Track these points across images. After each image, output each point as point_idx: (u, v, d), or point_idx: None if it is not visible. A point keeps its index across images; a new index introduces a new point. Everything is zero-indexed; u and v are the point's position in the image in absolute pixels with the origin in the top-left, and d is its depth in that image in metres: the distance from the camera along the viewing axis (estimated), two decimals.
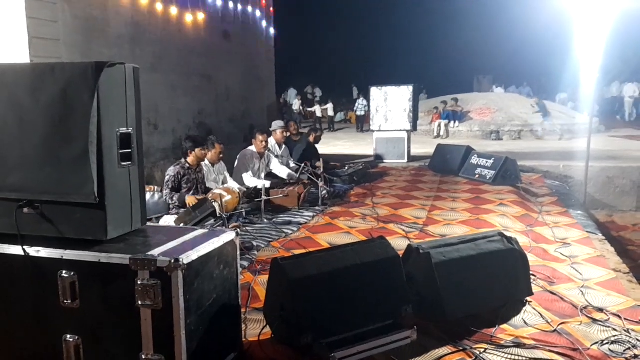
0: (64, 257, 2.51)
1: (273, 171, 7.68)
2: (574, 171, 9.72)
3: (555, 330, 3.28)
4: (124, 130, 2.62)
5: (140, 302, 2.40)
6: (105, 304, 2.51)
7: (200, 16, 9.70)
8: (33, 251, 2.56)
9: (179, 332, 2.38)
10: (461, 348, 3.04)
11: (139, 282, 2.39)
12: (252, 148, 7.36)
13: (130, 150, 2.66)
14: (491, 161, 8.41)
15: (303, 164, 7.49)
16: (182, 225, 4.69)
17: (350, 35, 32.42)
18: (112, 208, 2.56)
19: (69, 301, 2.53)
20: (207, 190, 6.04)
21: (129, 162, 2.66)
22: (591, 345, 3.09)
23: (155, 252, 2.45)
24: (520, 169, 8.58)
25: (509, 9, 23.00)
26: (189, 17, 9.36)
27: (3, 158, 2.61)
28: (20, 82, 2.56)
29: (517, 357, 2.97)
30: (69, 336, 2.57)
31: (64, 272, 2.52)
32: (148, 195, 5.84)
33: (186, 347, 2.41)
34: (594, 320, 3.41)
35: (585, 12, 9.28)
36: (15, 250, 2.59)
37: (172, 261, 2.35)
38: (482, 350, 3.02)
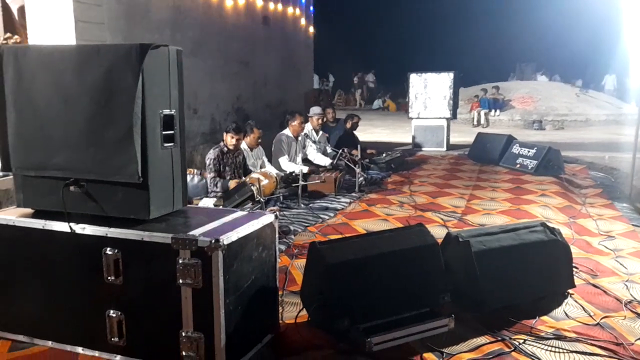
0: (108, 235, 2.58)
1: (309, 157, 7.68)
2: (620, 162, 9.40)
3: (597, 324, 3.19)
4: (167, 112, 2.66)
5: (181, 281, 2.45)
6: (147, 281, 2.57)
7: (241, 1, 9.71)
8: (79, 228, 2.64)
9: (218, 311, 2.42)
10: (500, 338, 3.00)
11: (180, 261, 2.43)
12: (287, 132, 7.37)
13: (172, 132, 2.70)
14: (533, 151, 8.21)
15: (340, 150, 7.48)
16: (221, 207, 4.75)
17: (389, 21, 32.01)
18: (154, 188, 2.61)
19: (113, 277, 2.60)
20: (247, 173, 6.10)
21: (172, 144, 2.70)
22: (635, 340, 3.00)
23: (196, 232, 2.49)
24: (563, 159, 8.35)
25: None
26: (229, 2, 9.38)
27: (49, 138, 2.67)
28: (66, 63, 2.61)
29: (557, 350, 2.91)
30: (112, 311, 2.64)
31: (108, 249, 2.58)
32: (188, 178, 5.93)
33: (225, 326, 2.44)
34: (639, 315, 3.31)
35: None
36: (62, 227, 2.67)
37: (213, 241, 2.38)
38: (521, 341, 2.97)
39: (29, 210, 2.86)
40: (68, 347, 2.78)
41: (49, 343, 2.82)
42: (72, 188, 2.68)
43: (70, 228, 2.63)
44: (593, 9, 16.16)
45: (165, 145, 2.67)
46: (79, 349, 2.76)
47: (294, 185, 6.15)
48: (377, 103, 25.10)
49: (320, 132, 8.33)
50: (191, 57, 8.07)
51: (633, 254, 4.51)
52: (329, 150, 8.13)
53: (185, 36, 8.09)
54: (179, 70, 2.73)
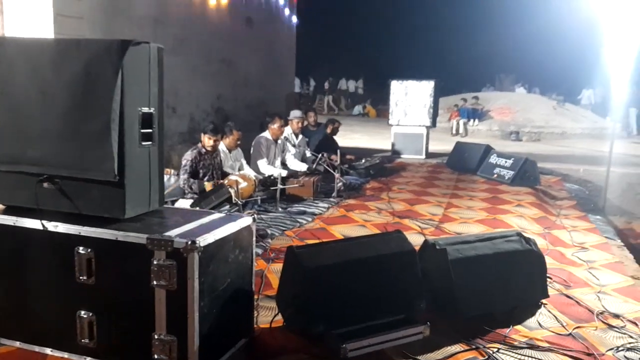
0: (82, 234, 2.52)
1: (286, 162, 7.66)
2: (594, 176, 9.58)
3: (570, 334, 3.23)
4: (146, 109, 2.61)
5: (155, 282, 2.41)
6: (120, 282, 2.52)
7: (224, 0, 9.67)
8: (51, 226, 2.57)
9: (192, 314, 2.38)
10: (474, 346, 3.01)
11: (154, 262, 2.39)
12: (266, 134, 7.34)
13: (151, 130, 2.65)
14: (510, 161, 8.31)
15: (320, 155, 7.48)
16: (198, 208, 4.69)
17: (371, 29, 32.17)
18: (131, 187, 2.56)
19: (85, 277, 2.54)
20: (224, 175, 6.04)
21: (150, 142, 2.66)
22: (606, 351, 3.04)
23: (172, 233, 2.45)
24: (539, 170, 8.47)
25: (538, 8, 22.69)
26: (212, 1, 9.33)
27: (24, 131, 2.61)
28: (45, 56, 2.55)
29: (530, 359, 2.93)
30: (83, 312, 2.58)
31: (81, 248, 2.53)
32: (164, 178, 5.86)
33: (199, 329, 2.40)
34: (610, 326, 3.36)
35: (617, 16, 9.08)
36: (34, 224, 2.60)
37: (189, 243, 2.34)
38: (494, 350, 2.99)
39: (0, 207, 2.79)
40: (36, 348, 2.71)
41: (17, 343, 2.75)
42: (45, 184, 2.62)
43: (43, 225, 2.57)
44: (574, 24, 16.45)
45: (143, 143, 2.62)
46: (48, 350, 2.69)
47: (272, 188, 6.12)
48: (358, 109, 25.20)
49: (300, 136, 8.31)
50: (172, 54, 7.97)
51: (605, 265, 4.58)
52: (308, 154, 8.12)
53: (166, 33, 8.01)
54: (159, 68, 2.69)
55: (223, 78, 9.91)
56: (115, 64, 2.40)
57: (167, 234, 2.43)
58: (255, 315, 3.16)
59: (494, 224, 5.68)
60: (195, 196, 5.55)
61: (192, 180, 5.76)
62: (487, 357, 2.92)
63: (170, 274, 2.38)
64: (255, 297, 3.27)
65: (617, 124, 9.17)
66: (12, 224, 2.64)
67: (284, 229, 5.19)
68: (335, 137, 9.33)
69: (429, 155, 11.05)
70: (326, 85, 26.93)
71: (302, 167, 7.61)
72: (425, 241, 3.57)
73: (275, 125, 7.24)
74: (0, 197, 2.77)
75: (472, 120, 17.57)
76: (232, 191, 5.31)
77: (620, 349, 3.06)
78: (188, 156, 5.87)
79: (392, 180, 8.26)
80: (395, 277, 3.14)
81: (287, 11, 12.79)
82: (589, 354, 2.99)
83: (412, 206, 6.44)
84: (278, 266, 3.75)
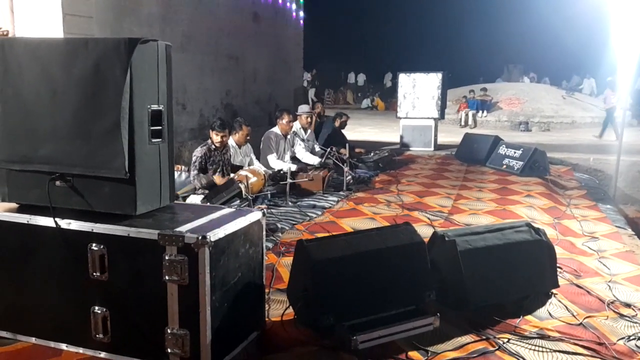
0: (94, 230, 2.56)
1: (297, 155, 7.68)
2: (604, 165, 9.53)
3: (580, 324, 3.23)
4: (155, 107, 2.64)
5: (167, 277, 2.44)
6: (133, 277, 2.55)
7: None
8: (64, 223, 2.61)
9: (204, 308, 2.41)
10: (484, 337, 3.02)
11: (166, 258, 2.42)
12: (276, 129, 7.37)
13: (160, 127, 2.68)
14: (520, 152, 8.28)
15: (328, 149, 7.49)
16: (208, 204, 4.73)
17: (378, 21, 32.06)
18: (141, 184, 2.59)
19: (98, 273, 2.58)
20: (235, 170, 6.08)
21: (159, 139, 2.69)
22: (617, 340, 3.03)
23: (183, 228, 2.48)
24: (549, 160, 8.43)
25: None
26: None
27: (35, 130, 2.65)
28: (54, 55, 2.58)
29: (540, 349, 2.93)
30: (97, 307, 2.62)
31: (94, 244, 2.56)
32: (175, 174, 5.90)
33: (211, 322, 2.43)
34: (621, 316, 3.35)
35: (624, 6, 9.03)
36: (47, 221, 2.64)
37: (200, 238, 2.37)
38: (505, 340, 2.99)
39: (14, 205, 2.83)
40: (52, 344, 2.75)
41: (33, 339, 2.79)
42: (58, 182, 2.65)
43: (56, 223, 2.61)
44: (581, 15, 16.33)
45: (153, 140, 2.65)
46: (63, 346, 2.73)
47: (282, 183, 6.14)
48: (366, 102, 25.17)
49: (309, 131, 8.33)
50: (180, 52, 8.04)
51: (616, 255, 4.56)
52: (317, 148, 8.13)
53: (174, 31, 8.05)
54: (167, 66, 2.71)
55: (231, 74, 9.95)
56: (124, 62, 2.43)
57: (178, 229, 2.46)
58: (267, 308, 3.19)
59: (504, 215, 5.67)
60: (206, 191, 5.59)
61: (201, 175, 5.81)
62: (497, 347, 2.92)
63: (182, 269, 2.41)
64: (266, 290, 3.30)
65: (627, 111, 9.10)
66: (26, 222, 2.68)
67: (294, 222, 5.22)
68: (343, 131, 9.34)
69: (438, 147, 11.04)
70: (308, 76, 24.90)
71: (314, 159, 7.61)
72: (435, 233, 3.57)
73: (284, 121, 7.27)
74: (14, 195, 2.81)
75: (480, 112, 17.49)
76: (242, 186, 5.35)
77: (631, 338, 3.06)
78: (198, 152, 5.92)
79: (401, 172, 8.26)
80: (405, 269, 3.16)
81: (294, 5, 12.78)
82: (600, 344, 2.98)
83: (421, 198, 6.45)
84: (288, 260, 3.78)
